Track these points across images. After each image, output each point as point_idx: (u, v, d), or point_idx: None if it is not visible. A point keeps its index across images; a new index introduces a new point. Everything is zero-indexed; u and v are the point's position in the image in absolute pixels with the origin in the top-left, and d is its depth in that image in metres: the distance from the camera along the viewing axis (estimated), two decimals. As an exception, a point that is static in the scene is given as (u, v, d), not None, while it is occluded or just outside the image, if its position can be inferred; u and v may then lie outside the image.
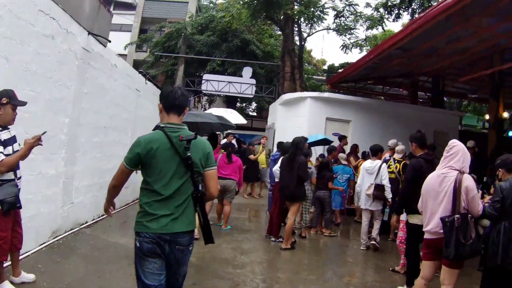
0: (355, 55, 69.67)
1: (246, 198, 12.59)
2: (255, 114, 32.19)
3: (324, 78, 27.80)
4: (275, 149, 13.41)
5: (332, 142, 11.03)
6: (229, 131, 13.36)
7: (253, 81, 21.15)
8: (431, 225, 4.04)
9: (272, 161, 9.85)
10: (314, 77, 28.98)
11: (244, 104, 30.14)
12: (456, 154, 4.00)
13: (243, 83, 21.11)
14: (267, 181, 13.78)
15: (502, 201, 3.96)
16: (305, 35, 20.03)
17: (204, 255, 6.15)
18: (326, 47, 71.09)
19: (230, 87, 21.13)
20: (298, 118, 13.37)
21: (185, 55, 22.80)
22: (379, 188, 7.17)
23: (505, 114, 12.22)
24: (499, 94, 11.74)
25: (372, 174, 7.36)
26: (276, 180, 7.76)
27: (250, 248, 6.89)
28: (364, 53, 18.38)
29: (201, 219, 2.93)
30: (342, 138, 11.29)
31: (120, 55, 10.02)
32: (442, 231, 3.87)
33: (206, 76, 21.74)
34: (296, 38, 19.60)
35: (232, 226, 8.38)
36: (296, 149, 7.11)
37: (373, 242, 7.27)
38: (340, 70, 22.34)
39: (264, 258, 6.47)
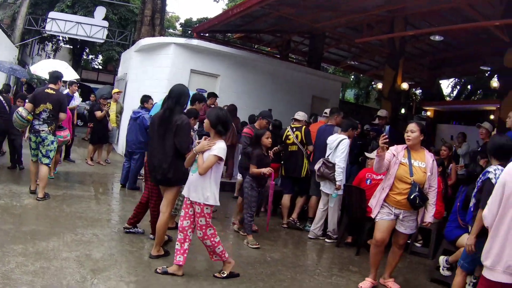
0: (212, 10, 67.53)
1: (90, 164, 9.78)
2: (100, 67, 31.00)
3: (180, 33, 26.89)
4: (127, 105, 10.97)
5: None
6: (74, 79, 11.04)
7: (105, 23, 18.45)
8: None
9: (132, 119, 7.57)
10: (169, 30, 27.54)
11: (91, 57, 28.61)
12: None
13: (94, 25, 18.56)
14: (114, 143, 11.32)
15: None
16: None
17: (34, 280, 3.36)
18: (179, 6, 67.63)
19: (79, 28, 18.52)
20: (158, 68, 10.99)
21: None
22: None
23: (404, 85, 11.32)
24: (399, 62, 10.71)
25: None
26: None
27: (105, 258, 4.15)
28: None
29: None
30: (212, 96, 9.04)
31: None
32: None
33: (51, 14, 18.97)
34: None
35: (74, 212, 5.66)
36: (175, 104, 4.23)
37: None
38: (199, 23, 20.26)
39: (132, 281, 3.70)
